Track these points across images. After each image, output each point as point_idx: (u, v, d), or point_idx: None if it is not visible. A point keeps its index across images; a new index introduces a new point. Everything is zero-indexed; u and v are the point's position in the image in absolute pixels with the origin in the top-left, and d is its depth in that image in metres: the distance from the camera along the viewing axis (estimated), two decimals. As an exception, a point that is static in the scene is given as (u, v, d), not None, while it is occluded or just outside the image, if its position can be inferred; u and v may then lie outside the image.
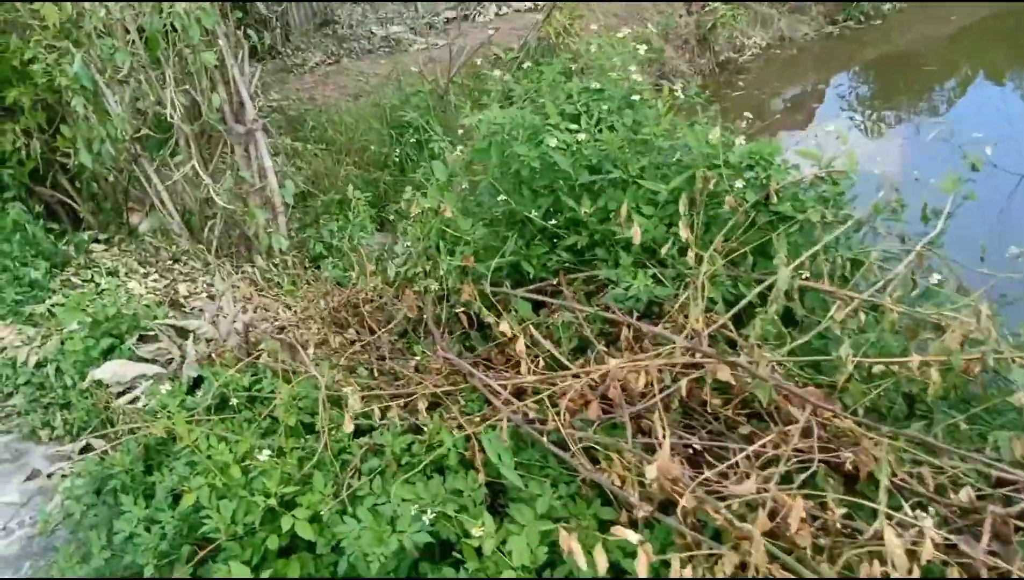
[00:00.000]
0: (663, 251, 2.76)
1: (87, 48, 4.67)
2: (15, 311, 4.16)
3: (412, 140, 7.25)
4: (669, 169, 2.98)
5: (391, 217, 6.10)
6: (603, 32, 11.82)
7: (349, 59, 10.86)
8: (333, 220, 5.53)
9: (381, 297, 3.81)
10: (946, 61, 11.98)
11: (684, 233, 2.68)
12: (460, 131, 6.51)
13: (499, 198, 3.09)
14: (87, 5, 4.51)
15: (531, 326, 2.87)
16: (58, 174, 5.15)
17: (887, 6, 13.35)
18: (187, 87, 4.79)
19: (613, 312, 2.79)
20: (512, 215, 3.18)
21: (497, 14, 12.13)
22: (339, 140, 7.85)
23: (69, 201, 5.23)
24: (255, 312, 4.26)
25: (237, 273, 4.82)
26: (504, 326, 2.80)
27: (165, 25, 4.52)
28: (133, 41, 4.60)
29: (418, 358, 3.11)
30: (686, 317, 2.54)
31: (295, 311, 4.07)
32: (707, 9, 12.16)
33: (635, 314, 2.74)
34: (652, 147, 3.08)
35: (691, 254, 2.68)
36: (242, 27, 5.11)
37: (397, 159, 7.10)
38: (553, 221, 3.06)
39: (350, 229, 5.11)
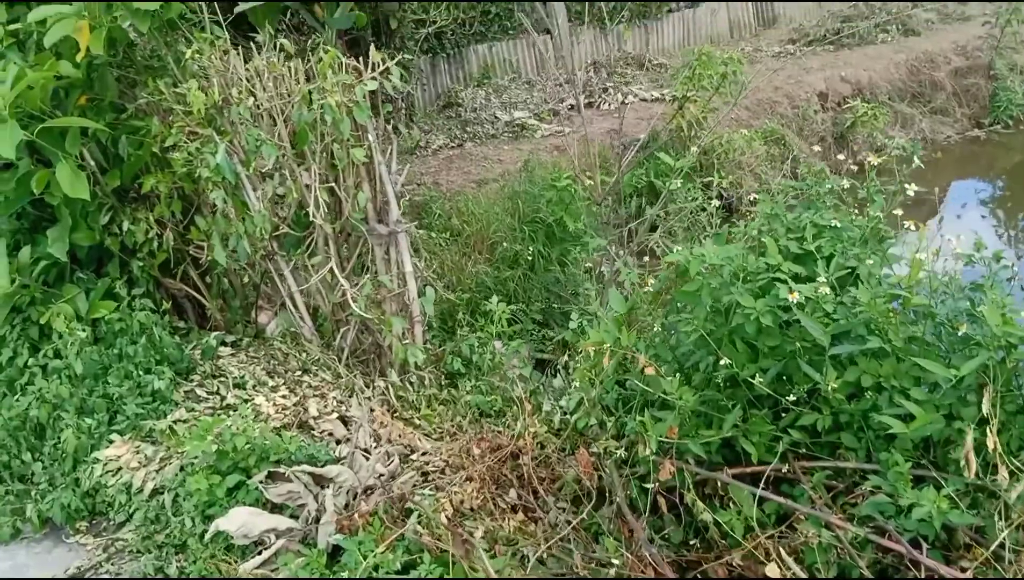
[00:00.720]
0: (959, 458, 2.14)
1: (231, 137, 4.36)
2: (134, 426, 3.77)
3: (549, 239, 6.81)
4: (948, 342, 2.39)
5: (531, 330, 5.62)
6: (735, 126, 11.32)
7: (473, 143, 10.60)
8: (471, 331, 5.06)
9: (543, 447, 3.27)
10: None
11: (991, 443, 2.08)
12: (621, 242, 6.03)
13: (721, 362, 2.54)
14: (234, 93, 4.21)
15: (765, 538, 2.29)
16: (188, 267, 4.83)
17: (1038, 110, 12.52)
18: (332, 183, 4.43)
19: (890, 536, 2.18)
20: (732, 380, 2.61)
21: (623, 102, 11.76)
22: (466, 231, 7.48)
23: (197, 295, 4.90)
24: (390, 442, 3.77)
25: (369, 388, 4.37)
26: (735, 528, 2.22)
27: (315, 118, 4.19)
28: (280, 133, 4.28)
29: (616, 564, 2.51)
30: (996, 560, 1.93)
31: (440, 450, 3.55)
32: (846, 107, 11.56)
33: (921, 546, 2.11)
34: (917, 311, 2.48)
35: (1002, 471, 2.07)
36: (391, 121, 4.76)
37: (530, 257, 6.64)
38: (789, 393, 2.48)
39: (491, 345, 4.63)
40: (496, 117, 11.26)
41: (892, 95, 12.37)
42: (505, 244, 6.74)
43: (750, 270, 2.58)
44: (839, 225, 2.88)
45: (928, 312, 2.47)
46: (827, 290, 2.41)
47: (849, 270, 2.65)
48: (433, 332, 5.04)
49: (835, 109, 11.96)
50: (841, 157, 11.52)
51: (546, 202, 6.82)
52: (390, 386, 4.41)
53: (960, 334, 2.35)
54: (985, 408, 2.12)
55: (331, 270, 4.52)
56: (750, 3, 15.42)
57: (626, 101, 11.81)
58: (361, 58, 4.26)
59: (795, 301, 2.42)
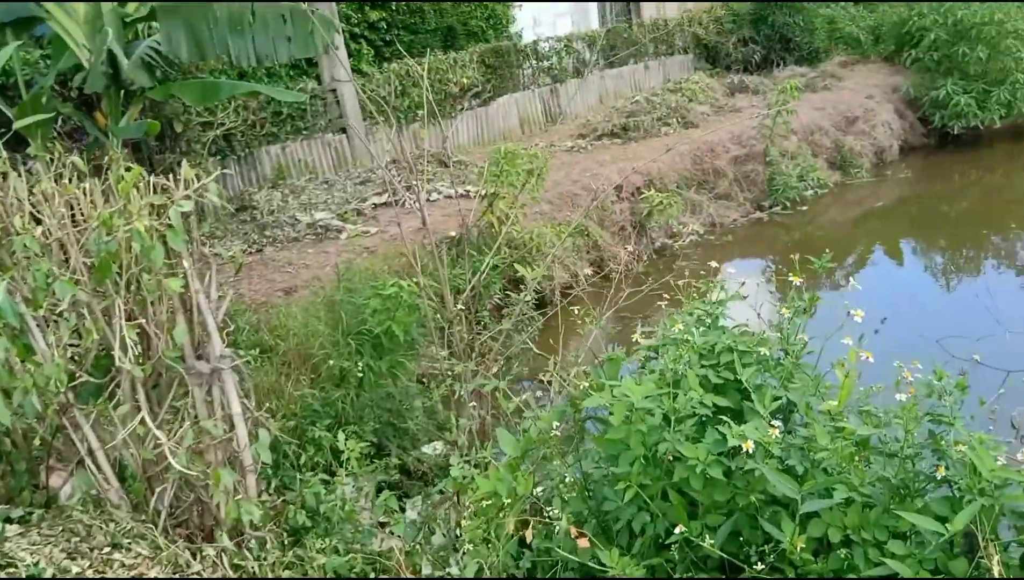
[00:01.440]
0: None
1: (12, 273, 3.63)
2: None
3: (376, 350, 6.32)
4: (911, 482, 2.18)
5: (369, 453, 5.08)
6: (539, 220, 11.38)
7: (273, 248, 9.96)
8: (299, 468, 4.47)
9: (433, 622, 2.78)
10: (852, 242, 12.22)
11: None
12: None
13: (676, 529, 2.19)
14: (16, 222, 3.50)
15: None
16: (-45, 429, 3.94)
17: (809, 192, 13.57)
18: (140, 320, 3.78)
19: None
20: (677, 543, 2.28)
21: (429, 199, 11.56)
22: (281, 347, 6.83)
23: (-34, 463, 4.01)
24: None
25: (197, 559, 3.68)
26: None
27: (118, 246, 3.56)
28: (75, 266, 3.60)
29: None
30: None
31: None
32: (641, 197, 11.97)
33: None
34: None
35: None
36: (208, 243, 4.18)
37: (360, 374, 6.11)
38: (741, 554, 2.16)
39: (339, 490, 4.06)
40: (296, 219, 10.69)
41: (680, 184, 12.98)
42: (331, 361, 6.16)
43: (681, 411, 2.29)
44: (760, 349, 2.65)
45: (890, 451, 2.27)
46: (776, 432, 2.17)
47: (783, 402, 2.42)
48: (268, 478, 4.40)
49: (630, 199, 12.37)
50: (630, 248, 11.91)
51: (371, 312, 6.35)
52: (223, 554, 3.74)
53: (938, 477, 2.15)
54: (996, 571, 1.91)
55: (141, 420, 3.82)
56: (539, 100, 15.89)
57: (431, 198, 11.62)
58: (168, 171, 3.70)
59: (749, 449, 2.15)
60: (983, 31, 15.13)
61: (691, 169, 13.30)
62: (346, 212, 10.93)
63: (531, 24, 20.26)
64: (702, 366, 2.56)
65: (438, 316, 7.41)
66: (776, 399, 2.37)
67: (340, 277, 8.29)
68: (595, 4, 23.45)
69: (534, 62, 16.03)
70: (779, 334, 2.85)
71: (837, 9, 19.96)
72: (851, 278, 10.15)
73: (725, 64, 19.28)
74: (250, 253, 9.84)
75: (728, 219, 12.90)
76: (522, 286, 10.21)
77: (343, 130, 12.79)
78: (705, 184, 13.23)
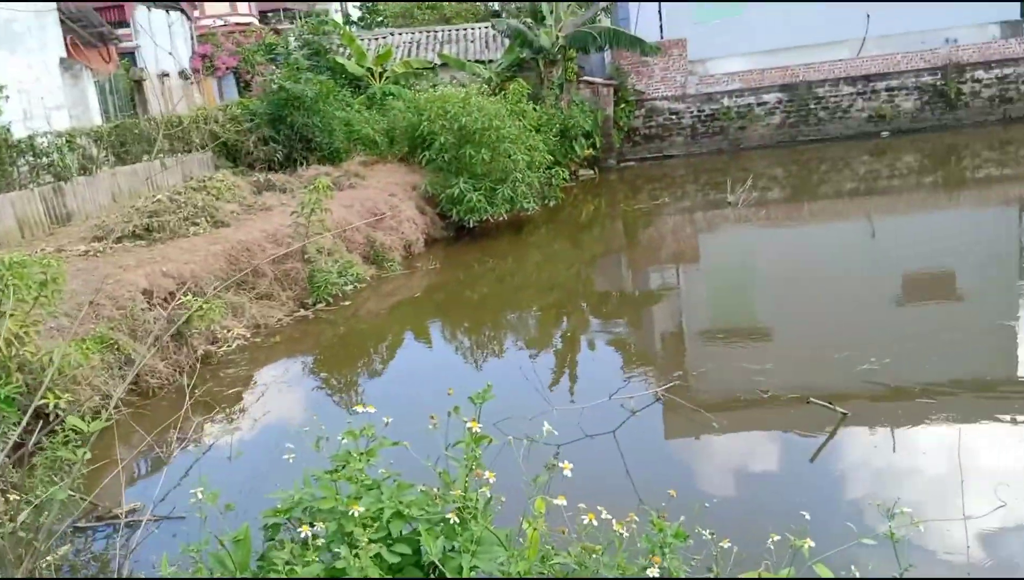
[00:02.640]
0: None
1: None
2: None
3: None
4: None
5: None
6: (59, 336, 9.78)
7: None
8: None
9: None
10: (395, 331, 12.60)
11: None
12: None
13: None
14: None
15: None
16: None
17: (349, 287, 13.60)
18: None
19: None
20: None
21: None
22: None
23: None
24: None
25: None
26: None
27: None
28: None
29: None
30: None
31: None
32: (178, 302, 10.89)
33: None
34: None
35: None
36: None
37: None
38: None
39: None
40: None
41: (217, 286, 12.12)
42: None
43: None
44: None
45: None
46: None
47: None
48: None
49: (162, 305, 11.20)
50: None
51: None
52: None
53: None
54: None
55: None
56: (40, 200, 13.87)
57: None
58: None
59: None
60: (484, 136, 16.78)
61: (228, 270, 12.53)
62: None
63: (22, 117, 17.96)
64: (370, 540, 2.05)
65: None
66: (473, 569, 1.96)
67: None
68: (95, 97, 21.68)
69: (31, 158, 14.01)
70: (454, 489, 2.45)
71: (352, 113, 20.78)
72: (361, 401, 10.30)
73: (247, 162, 18.88)
74: None
75: (273, 319, 12.33)
76: (46, 418, 8.57)
77: None
78: (245, 284, 12.53)
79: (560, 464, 3.42)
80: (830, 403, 7.47)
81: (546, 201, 18.73)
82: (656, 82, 26.41)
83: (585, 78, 25.31)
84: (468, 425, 3.03)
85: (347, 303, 13.22)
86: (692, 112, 26.64)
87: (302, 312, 12.80)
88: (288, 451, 3.48)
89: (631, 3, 26.29)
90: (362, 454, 2.75)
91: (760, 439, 7.82)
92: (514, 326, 12.75)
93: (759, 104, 26.53)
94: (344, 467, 2.74)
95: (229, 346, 11.30)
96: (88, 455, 4.31)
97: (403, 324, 12.93)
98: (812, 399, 7.58)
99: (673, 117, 26.66)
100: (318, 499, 2.54)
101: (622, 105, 25.89)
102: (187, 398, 8.64)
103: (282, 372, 11.13)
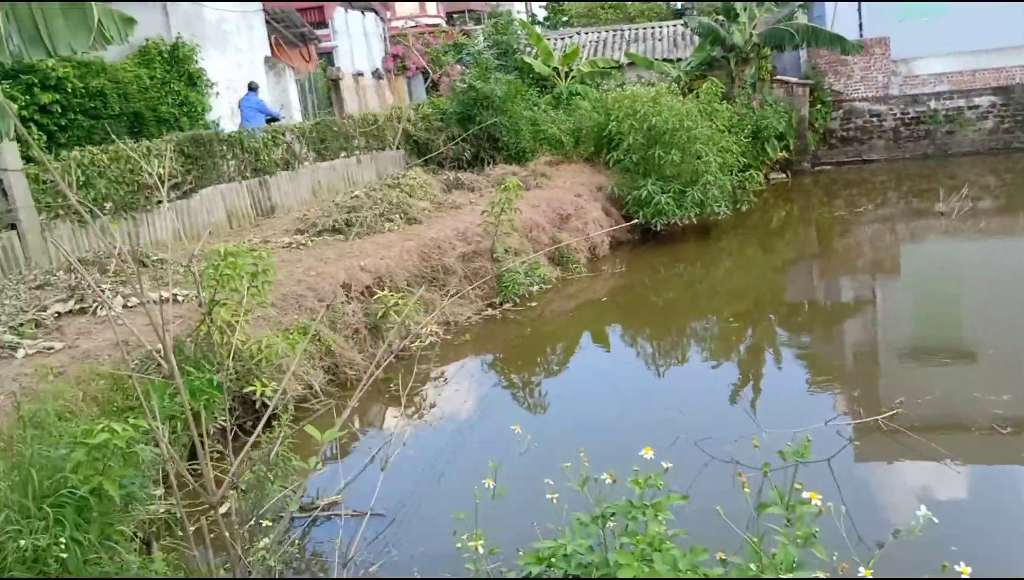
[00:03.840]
0: None
1: None
2: None
3: (81, 514, 4.74)
4: None
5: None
6: (265, 325, 10.10)
7: (-81, 374, 7.76)
8: None
9: None
10: (583, 334, 12.31)
11: None
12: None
13: None
14: None
15: None
16: None
17: (535, 287, 13.50)
18: None
19: None
20: None
21: (126, 306, 9.81)
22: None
23: None
24: None
25: None
26: None
27: None
28: None
29: None
30: None
31: None
32: (376, 297, 11.09)
33: None
34: None
35: None
36: None
37: (63, 554, 4.50)
38: None
39: None
40: (-48, 335, 8.51)
41: (410, 281, 12.29)
42: (22, 541, 4.49)
43: None
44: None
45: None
46: None
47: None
48: None
49: (360, 299, 11.44)
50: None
51: (74, 466, 4.80)
52: None
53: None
54: None
55: None
56: (247, 193, 14.58)
57: (128, 305, 9.88)
58: None
59: None
60: (675, 136, 16.27)
61: (420, 266, 12.69)
62: (22, 324, 8.90)
63: (229, 114, 18.97)
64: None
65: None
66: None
67: (20, 411, 6.51)
68: (296, 95, 22.66)
69: (240, 153, 14.73)
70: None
71: (539, 113, 20.74)
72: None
73: (436, 160, 19.18)
74: None
75: (462, 317, 12.38)
76: (251, 404, 8.87)
77: (12, 226, 10.67)
78: (435, 281, 12.65)
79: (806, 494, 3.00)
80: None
81: (738, 205, 17.97)
82: (855, 82, 24.95)
83: (779, 77, 24.24)
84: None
85: (533, 304, 13.12)
86: (895, 114, 24.98)
87: (489, 311, 12.79)
88: (549, 488, 3.19)
89: (828, 1, 24.94)
90: (647, 507, 2.46)
91: (1000, 476, 6.99)
92: (705, 335, 12.24)
93: (970, 107, 24.54)
94: (609, 515, 2.47)
95: (422, 342, 11.40)
96: (320, 466, 4.24)
97: (588, 327, 12.68)
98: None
99: (874, 119, 25.09)
100: (588, 553, 2.26)
101: (818, 106, 24.63)
102: (380, 391, 8.73)
103: (471, 369, 11.15)
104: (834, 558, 2.75)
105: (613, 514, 2.57)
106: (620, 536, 2.53)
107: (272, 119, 17.58)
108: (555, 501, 3.10)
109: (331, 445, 8.75)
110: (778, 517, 2.84)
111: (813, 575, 2.45)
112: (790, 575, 2.33)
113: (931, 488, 6.86)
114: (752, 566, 2.35)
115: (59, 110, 13.86)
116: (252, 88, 17.88)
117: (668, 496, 2.65)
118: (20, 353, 8.27)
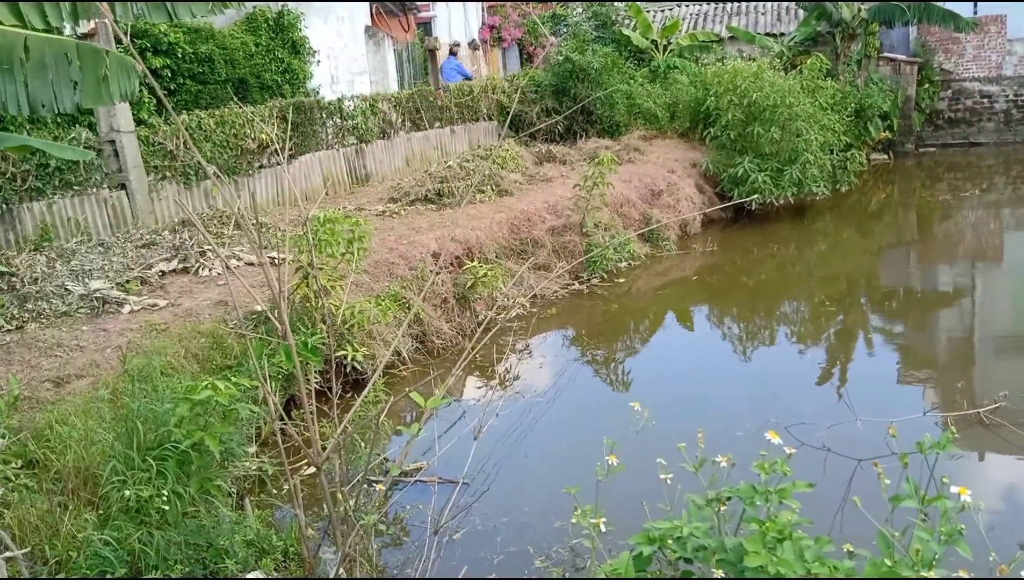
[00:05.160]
0: None
1: None
2: None
3: (182, 468, 5.00)
4: None
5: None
6: (358, 291, 10.32)
7: (38, 324, 8.24)
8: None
9: None
10: (672, 314, 12.20)
11: None
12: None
13: None
14: None
15: None
16: None
17: (624, 264, 13.43)
18: None
19: None
20: None
21: (227, 266, 10.18)
22: (55, 463, 5.34)
23: None
24: None
25: None
26: None
27: None
28: None
29: None
30: None
31: None
32: (465, 267, 11.22)
33: None
34: None
35: None
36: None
37: (165, 505, 4.77)
38: None
39: None
40: (67, 289, 8.98)
41: (499, 253, 12.38)
42: (126, 491, 4.76)
43: None
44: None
45: None
46: None
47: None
48: None
49: (448, 269, 11.59)
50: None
51: (177, 421, 5.05)
52: None
53: None
54: None
55: None
56: (344, 161, 14.88)
57: (230, 265, 10.23)
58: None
59: None
60: (775, 113, 15.87)
61: (508, 238, 12.76)
62: (128, 281, 9.35)
63: (329, 82, 19.30)
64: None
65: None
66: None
67: (127, 365, 6.86)
68: (393, 64, 22.86)
69: (338, 120, 15.03)
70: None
71: (635, 86, 20.49)
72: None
73: (529, 133, 19.18)
74: (6, 331, 8.08)
75: (549, 291, 12.42)
76: (339, 368, 9.11)
77: (122, 186, 11.15)
78: (523, 254, 12.71)
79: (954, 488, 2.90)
80: None
81: (837, 186, 17.45)
82: (967, 61, 23.83)
83: (886, 54, 23.33)
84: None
85: (621, 280, 13.06)
86: (1008, 96, 23.80)
87: (576, 285, 12.80)
88: (663, 468, 3.18)
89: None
90: (770, 492, 2.45)
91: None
92: (795, 318, 12.00)
93: (1089, 90, 23.21)
94: (726, 499, 2.46)
95: (509, 314, 11.50)
96: (421, 430, 4.35)
97: (675, 305, 12.56)
98: None
99: (985, 101, 23.96)
100: (705, 536, 2.26)
101: (925, 85, 23.64)
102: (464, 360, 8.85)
103: (555, 344, 11.20)
104: (991, 559, 2.69)
105: (729, 498, 2.58)
106: (747, 521, 2.52)
107: (467, 78, 20.93)
108: (669, 481, 3.10)
109: (415, 411, 8.94)
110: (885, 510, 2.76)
111: (955, 576, 2.41)
112: (931, 574, 2.30)
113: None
114: (887, 561, 2.31)
115: (169, 75, 14.34)
116: (452, 52, 21.57)
117: (794, 483, 2.63)
118: (126, 308, 8.70)
